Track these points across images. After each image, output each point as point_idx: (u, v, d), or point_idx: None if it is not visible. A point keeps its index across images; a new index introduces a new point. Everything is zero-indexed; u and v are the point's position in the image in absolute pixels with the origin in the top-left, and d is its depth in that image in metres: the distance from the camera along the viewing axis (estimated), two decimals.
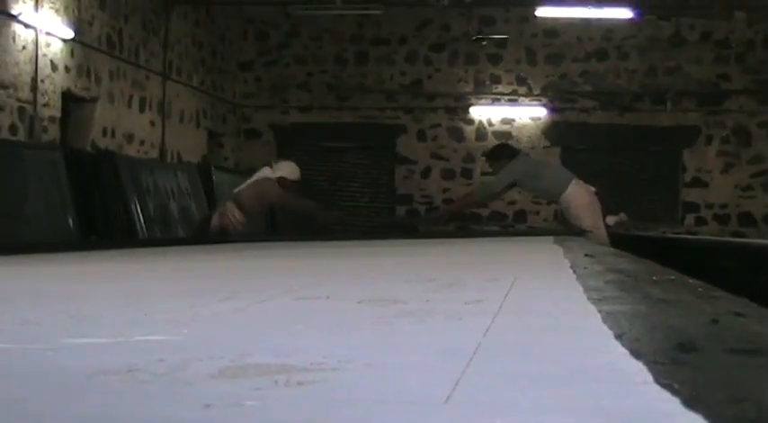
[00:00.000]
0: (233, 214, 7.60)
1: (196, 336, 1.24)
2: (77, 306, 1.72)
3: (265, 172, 7.86)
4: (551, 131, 14.48)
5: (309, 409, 0.74)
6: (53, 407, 0.78)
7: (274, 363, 0.94)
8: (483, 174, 14.93)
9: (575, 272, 2.27)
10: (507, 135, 14.97)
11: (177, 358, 0.98)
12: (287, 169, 7.87)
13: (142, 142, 11.21)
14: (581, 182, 7.40)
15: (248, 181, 7.90)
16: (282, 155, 15.06)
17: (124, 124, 10.86)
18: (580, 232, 6.60)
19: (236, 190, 7.91)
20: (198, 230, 8.07)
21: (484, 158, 9.29)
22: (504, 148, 8.40)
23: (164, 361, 0.97)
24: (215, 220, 7.70)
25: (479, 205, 8.71)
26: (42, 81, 8.98)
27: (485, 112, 14.99)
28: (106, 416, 0.73)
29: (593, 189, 7.40)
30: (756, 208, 15.00)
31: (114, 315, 1.56)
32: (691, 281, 2.04)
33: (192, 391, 0.82)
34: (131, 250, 4.84)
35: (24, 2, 8.65)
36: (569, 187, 7.29)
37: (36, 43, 8.87)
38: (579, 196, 7.25)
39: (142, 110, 11.36)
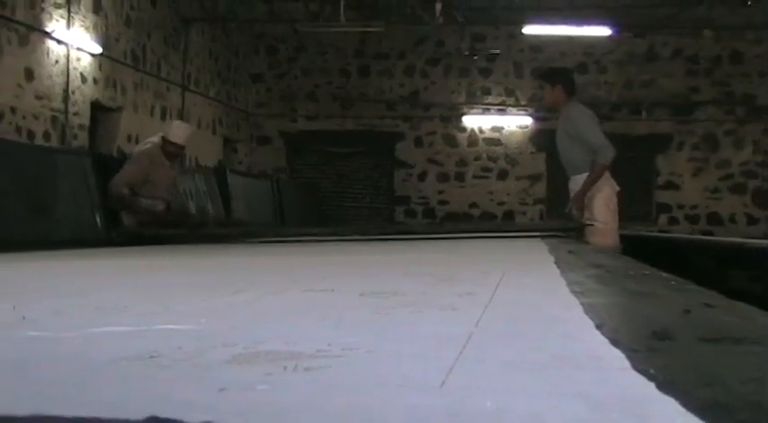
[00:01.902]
0: (136, 202, 6.06)
1: (211, 325, 1.24)
2: (103, 298, 1.72)
3: (144, 143, 6.40)
4: (537, 138, 14.49)
5: (316, 393, 0.74)
6: (81, 389, 0.78)
7: (283, 350, 0.94)
8: (474, 177, 14.95)
9: (558, 267, 2.26)
10: (496, 141, 14.97)
11: (194, 346, 0.98)
12: (171, 129, 6.33)
13: None
14: (609, 173, 5.96)
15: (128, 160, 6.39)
16: (291, 160, 15.08)
17: (147, 131, 10.85)
18: (579, 226, 5.45)
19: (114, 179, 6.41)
20: (108, 231, 6.31)
21: (536, 79, 7.07)
22: (565, 75, 6.37)
23: (182, 348, 0.96)
24: (125, 217, 6.22)
25: (603, 173, 6.16)
26: (73, 92, 8.99)
27: (476, 121, 14.99)
28: (129, 398, 0.73)
29: (617, 188, 5.99)
30: (723, 208, 15.01)
31: (136, 306, 1.56)
32: (664, 275, 2.04)
33: (208, 376, 0.81)
34: (151, 247, 4.84)
35: (57, 20, 8.66)
36: None
37: (67, 58, 8.88)
38: (603, 185, 5.86)
39: (163, 118, 11.35)
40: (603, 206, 5.79)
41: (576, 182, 5.91)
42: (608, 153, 5.83)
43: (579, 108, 6.02)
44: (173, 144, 6.10)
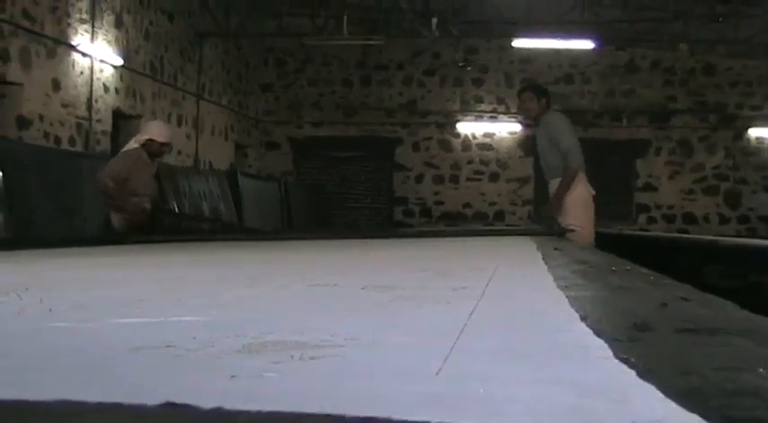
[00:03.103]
0: (114, 206, 5.78)
1: (223, 317, 1.23)
2: (122, 291, 1.71)
3: (131, 143, 6.03)
4: (526, 144, 14.49)
5: (320, 380, 0.73)
6: (102, 376, 0.77)
7: (290, 340, 0.93)
8: (468, 180, 14.95)
9: (546, 263, 2.26)
10: (488, 146, 14.97)
11: (207, 336, 0.98)
12: (154, 129, 6.03)
13: (179, 152, 11.21)
14: (585, 178, 5.85)
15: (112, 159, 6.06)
16: (298, 164, 15.08)
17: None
18: (560, 232, 5.30)
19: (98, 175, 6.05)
20: (104, 233, 5.94)
21: (517, 94, 6.81)
22: (544, 90, 6.29)
23: (195, 338, 0.96)
24: (114, 218, 5.82)
25: (575, 176, 6.09)
26: (96, 101, 8.99)
27: (469, 128, 15.00)
28: (147, 384, 0.73)
29: (593, 192, 5.88)
30: (697, 209, 15.01)
31: (153, 299, 1.55)
32: (643, 270, 2.03)
33: (219, 364, 0.81)
34: (167, 245, 4.84)
35: (82, 35, 8.66)
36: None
37: (91, 69, 8.88)
38: (579, 190, 5.76)
39: (179, 125, 11.36)
40: (581, 210, 5.72)
41: (555, 185, 5.85)
42: (576, 157, 5.78)
43: (558, 115, 6.06)
44: (161, 143, 5.92)
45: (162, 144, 5.94)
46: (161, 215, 6.27)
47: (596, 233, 5.95)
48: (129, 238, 5.15)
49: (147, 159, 5.88)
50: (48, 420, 0.62)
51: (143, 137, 5.89)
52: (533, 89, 6.22)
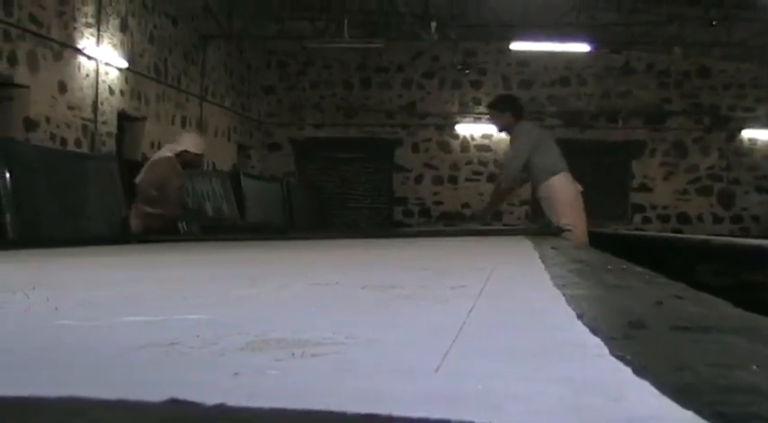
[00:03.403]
0: (142, 209, 5.92)
1: (226, 315, 1.23)
2: (127, 290, 1.71)
3: (164, 149, 6.17)
4: None
5: (321, 377, 0.73)
6: (108, 373, 0.77)
7: (292, 338, 0.93)
8: (466, 180, 14.94)
9: (543, 262, 2.26)
10: (486, 148, 14.97)
11: (211, 334, 0.98)
12: (189, 141, 6.08)
13: None
14: (570, 176, 5.85)
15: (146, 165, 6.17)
16: (299, 165, 15.08)
17: (169, 139, 10.85)
18: (557, 231, 5.23)
19: (135, 180, 6.11)
20: (119, 232, 6.19)
21: (486, 112, 6.90)
22: (511, 101, 6.23)
23: (199, 336, 0.96)
24: (133, 221, 5.99)
25: (509, 192, 6.24)
26: (102, 103, 8.99)
27: (468, 129, 15.00)
28: (151, 381, 0.73)
29: (580, 188, 5.85)
30: (691, 209, 15.02)
31: (158, 297, 1.55)
32: (638, 269, 2.03)
33: (223, 362, 0.81)
34: (171, 244, 4.83)
35: (88, 38, 8.67)
36: (559, 175, 5.78)
37: (97, 72, 8.88)
38: (566, 189, 5.75)
39: (183, 126, 11.36)
40: (570, 209, 5.71)
41: (542, 190, 5.84)
42: (507, 175, 5.91)
43: (524, 129, 5.92)
44: (195, 155, 6.02)
45: (196, 155, 6.02)
46: (188, 215, 6.39)
47: (592, 232, 5.96)
48: (134, 239, 5.17)
49: (179, 170, 5.97)
50: (53, 416, 0.62)
51: (178, 147, 5.95)
52: (495, 106, 6.13)
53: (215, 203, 9.80)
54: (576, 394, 0.64)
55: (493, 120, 6.18)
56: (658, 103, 14.97)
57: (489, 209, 6.51)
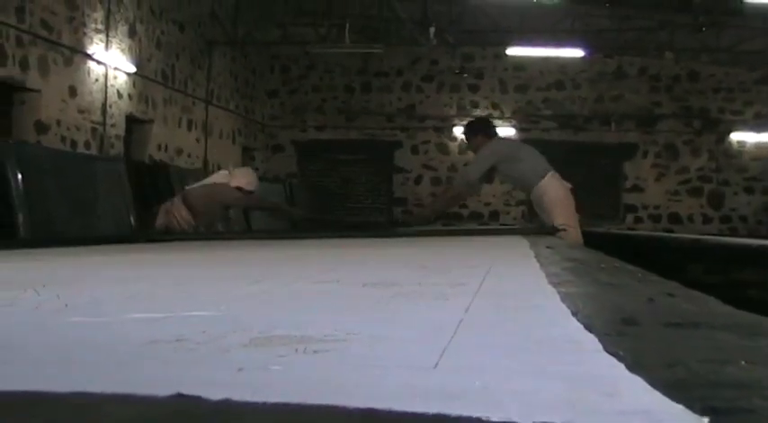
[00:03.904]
0: (179, 212, 6.14)
1: (231, 312, 1.23)
2: (136, 287, 1.71)
3: (221, 176, 6.47)
4: None
5: (323, 373, 0.73)
6: (117, 369, 0.77)
7: (295, 334, 0.93)
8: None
9: (538, 261, 2.26)
10: None
11: (216, 330, 0.98)
12: (243, 179, 6.36)
13: (189, 155, 11.22)
14: (557, 175, 5.81)
15: (203, 181, 6.44)
16: (302, 166, 15.08)
17: (175, 141, 10.86)
18: (552, 231, 5.19)
19: (187, 187, 6.42)
20: (142, 226, 6.44)
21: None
22: (481, 124, 6.31)
23: (205, 332, 0.96)
24: (160, 217, 6.21)
25: (460, 199, 6.28)
26: (110, 106, 8.99)
27: None
28: (158, 376, 0.72)
29: (569, 185, 5.81)
30: (682, 209, 15.02)
31: (165, 295, 1.55)
32: (631, 268, 2.03)
33: (228, 357, 0.81)
34: (177, 243, 4.83)
35: (97, 43, 8.67)
36: (546, 177, 5.73)
37: (106, 76, 8.89)
38: (555, 189, 5.71)
39: (189, 129, 11.36)
40: (560, 209, 5.69)
41: (534, 193, 5.83)
42: (461, 179, 5.95)
43: (492, 143, 5.94)
44: (249, 192, 6.28)
45: (249, 193, 6.28)
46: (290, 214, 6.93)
47: (586, 232, 5.94)
48: (141, 237, 5.18)
49: (235, 196, 6.25)
50: (64, 411, 0.61)
51: (233, 183, 6.18)
52: (467, 133, 6.21)
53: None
54: (572, 389, 0.64)
55: (468, 146, 6.31)
56: (650, 107, 14.97)
57: (433, 211, 6.58)
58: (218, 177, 6.45)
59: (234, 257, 3.17)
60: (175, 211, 6.15)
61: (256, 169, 14.25)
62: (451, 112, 15.01)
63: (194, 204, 6.13)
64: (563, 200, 5.73)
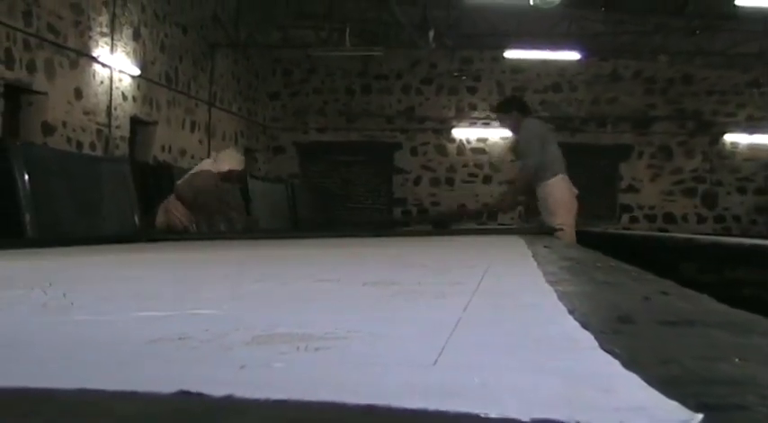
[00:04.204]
0: (176, 209, 6.07)
1: (234, 310, 1.23)
2: (140, 286, 1.71)
3: (205, 163, 6.39)
4: (516, 148, 14.48)
5: (324, 370, 0.73)
6: (121, 366, 0.77)
7: (297, 332, 0.93)
8: (462, 182, 14.94)
9: (535, 260, 2.25)
10: (481, 151, 14.96)
11: (219, 328, 0.97)
12: (232, 160, 6.29)
13: (192, 156, 11.22)
14: (567, 178, 5.81)
15: (190, 172, 6.36)
16: (303, 167, 15.08)
17: (178, 142, 10.86)
18: (549, 231, 5.18)
19: (177, 182, 6.33)
20: (145, 226, 6.33)
21: (493, 115, 6.83)
22: (516, 101, 6.23)
23: (208, 330, 0.96)
24: (160, 216, 6.16)
25: (526, 191, 5.99)
26: (115, 108, 9.00)
27: (464, 133, 15.00)
28: (162, 374, 0.72)
29: (576, 191, 5.82)
30: (676, 209, 15.02)
31: (169, 293, 1.55)
32: (627, 267, 2.03)
33: (230, 355, 0.81)
34: (180, 243, 4.83)
35: (102, 47, 8.67)
36: (558, 176, 5.72)
37: (111, 79, 8.89)
38: (563, 190, 5.72)
39: (192, 131, 11.37)
40: (564, 210, 5.68)
41: (540, 189, 5.80)
42: (526, 171, 5.80)
43: (529, 126, 5.86)
44: (240, 171, 6.28)
45: (241, 171, 6.29)
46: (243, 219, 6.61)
47: (583, 232, 5.96)
48: (146, 237, 5.18)
49: (227, 186, 6.21)
50: (69, 408, 0.61)
51: (223, 167, 6.11)
52: (501, 109, 6.13)
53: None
54: (569, 386, 0.64)
55: (501, 122, 6.22)
56: (645, 109, 14.98)
57: (510, 205, 6.42)
58: (203, 165, 6.35)
59: (235, 257, 3.17)
60: (172, 209, 6.10)
61: (258, 170, 14.25)
62: (450, 114, 15.01)
63: (184, 197, 6.04)
64: (567, 204, 5.74)
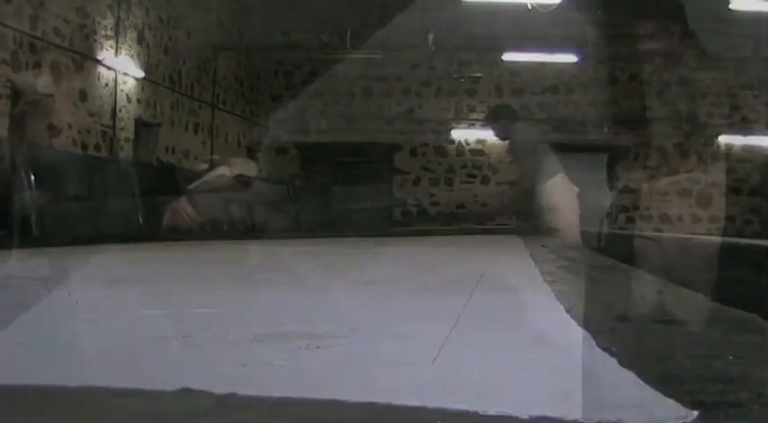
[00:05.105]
0: (185, 211, 6.16)
1: (236, 309, 1.23)
2: (145, 285, 1.71)
3: (221, 170, 6.53)
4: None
5: (325, 367, 0.73)
6: (126, 363, 0.77)
7: (298, 331, 0.93)
8: (461, 183, 14.93)
9: (533, 260, 2.25)
10: (480, 152, 14.96)
11: (221, 327, 0.97)
12: (245, 166, 6.58)
13: (196, 158, 11.21)
14: (566, 178, 5.70)
15: (204, 178, 6.47)
16: (305, 168, 15.07)
17: (182, 144, 10.86)
18: (548, 231, 5.12)
19: (190, 186, 6.46)
20: (150, 225, 6.41)
21: (487, 124, 6.78)
22: (502, 109, 6.23)
23: (211, 328, 0.96)
24: (167, 217, 6.22)
25: (528, 195, 6.08)
26: (120, 110, 8.99)
27: (463, 135, 14.98)
28: (166, 371, 0.72)
29: (576, 190, 5.74)
30: (672, 209, 15.00)
31: (173, 292, 1.55)
32: (623, 266, 2.03)
33: (233, 353, 0.81)
34: (184, 243, 4.82)
35: (107, 50, 8.66)
36: (556, 177, 5.58)
37: (115, 81, 8.88)
38: (563, 190, 5.61)
39: (196, 132, 11.36)
40: (564, 210, 5.52)
41: (547, 189, 5.57)
42: (524, 174, 5.74)
43: (519, 129, 5.80)
44: (250, 177, 6.48)
45: (251, 178, 6.47)
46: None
47: (582, 232, 5.87)
48: (149, 236, 5.19)
49: (237, 191, 6.34)
50: (75, 404, 0.61)
51: (233, 172, 6.30)
52: (489, 118, 6.09)
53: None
54: (565, 383, 0.64)
55: (494, 132, 6.23)
56: (641, 111, 14.98)
57: (517, 211, 6.38)
58: (219, 171, 6.52)
59: (237, 257, 3.17)
60: (182, 210, 6.18)
61: (260, 170, 14.24)
62: (449, 116, 14.98)
63: (198, 201, 6.19)
64: (567, 203, 5.63)
